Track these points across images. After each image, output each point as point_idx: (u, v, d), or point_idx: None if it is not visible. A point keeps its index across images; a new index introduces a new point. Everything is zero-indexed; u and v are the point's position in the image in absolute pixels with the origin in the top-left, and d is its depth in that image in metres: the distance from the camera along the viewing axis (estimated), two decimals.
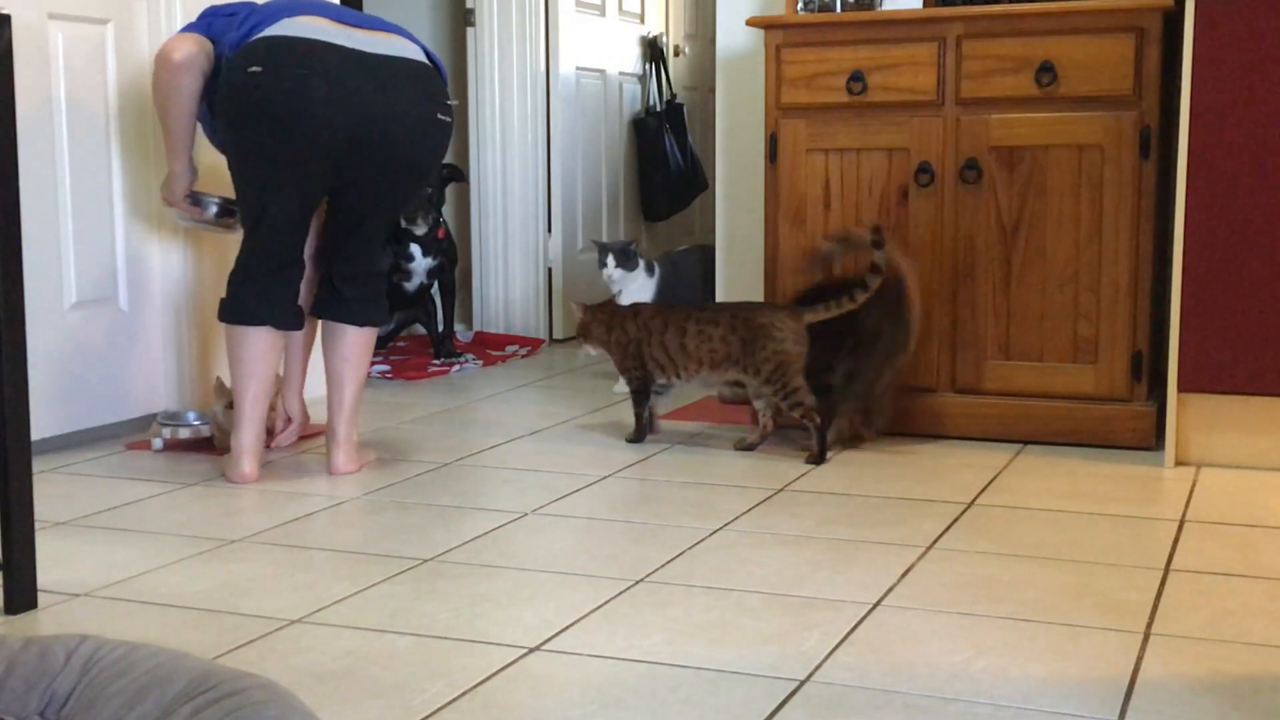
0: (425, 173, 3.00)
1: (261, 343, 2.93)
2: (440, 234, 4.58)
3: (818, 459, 3.09)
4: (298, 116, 2.76)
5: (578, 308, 3.36)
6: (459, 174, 4.66)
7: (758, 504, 2.75)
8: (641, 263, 4.09)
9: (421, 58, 2.92)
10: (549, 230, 5.10)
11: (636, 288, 4.07)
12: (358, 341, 3.01)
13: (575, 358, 4.66)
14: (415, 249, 4.53)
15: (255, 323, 2.92)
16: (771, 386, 3.13)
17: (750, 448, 3.24)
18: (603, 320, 3.33)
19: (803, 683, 1.82)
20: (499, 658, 1.91)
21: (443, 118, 2.92)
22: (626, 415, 3.69)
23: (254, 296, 2.92)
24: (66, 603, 2.17)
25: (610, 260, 4.01)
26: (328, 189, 2.93)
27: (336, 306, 3.01)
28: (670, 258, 4.38)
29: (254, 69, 2.76)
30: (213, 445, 3.23)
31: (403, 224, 4.44)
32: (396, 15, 5.49)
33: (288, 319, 2.97)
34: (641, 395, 3.31)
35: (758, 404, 3.26)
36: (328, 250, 3.03)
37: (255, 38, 2.80)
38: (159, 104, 2.98)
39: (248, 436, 2.94)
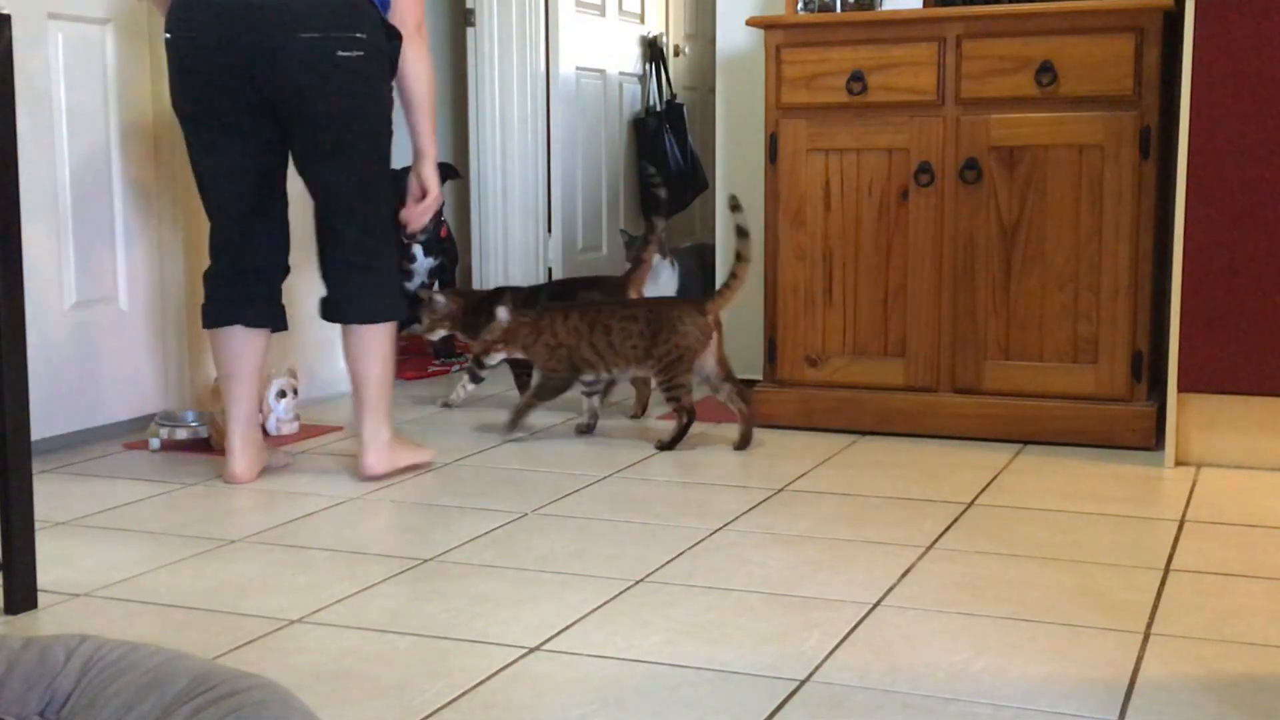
0: (343, 118, 2.78)
1: (235, 343, 2.89)
2: (443, 233, 4.59)
3: (668, 446, 3.24)
4: (197, 74, 2.74)
5: (502, 314, 3.31)
6: (453, 171, 4.65)
7: (758, 504, 2.75)
8: (668, 255, 4.09)
9: None
10: (549, 230, 5.10)
11: (665, 279, 4.06)
12: (360, 339, 2.90)
13: None
14: (417, 250, 4.53)
15: (223, 323, 2.89)
16: (664, 375, 3.21)
17: (666, 441, 3.28)
18: (529, 328, 3.32)
19: (803, 683, 1.82)
20: (499, 658, 1.91)
21: (344, 54, 2.71)
22: (627, 415, 3.69)
23: (221, 297, 2.90)
24: (66, 603, 2.17)
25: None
26: (260, 151, 2.82)
27: (330, 305, 2.94)
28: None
29: (165, 35, 2.79)
30: (210, 446, 3.23)
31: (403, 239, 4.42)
32: None
33: (259, 317, 2.91)
34: (552, 396, 3.35)
35: (719, 396, 3.32)
36: (319, 249, 2.96)
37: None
38: None
39: (235, 438, 2.92)
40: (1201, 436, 3.04)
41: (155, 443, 3.26)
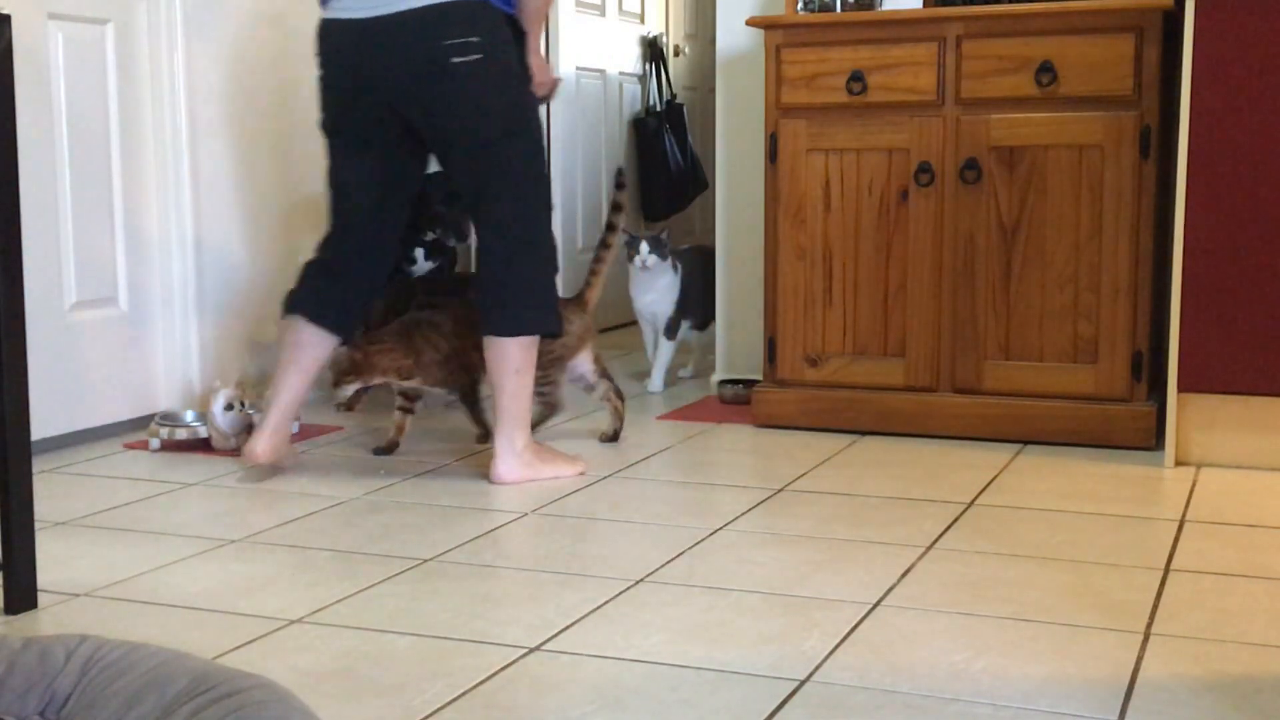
0: (468, 124, 2.78)
1: (305, 337, 2.94)
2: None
3: (484, 439, 3.23)
4: (331, 92, 2.86)
5: (353, 349, 3.09)
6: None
7: (758, 504, 2.75)
8: (670, 258, 4.00)
9: (422, 2, 2.69)
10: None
11: (665, 284, 3.97)
12: (500, 350, 2.86)
13: None
14: (419, 252, 4.52)
15: (301, 315, 2.94)
16: (540, 372, 3.09)
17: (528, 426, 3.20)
18: (397, 350, 3.11)
19: (803, 683, 1.82)
20: (499, 658, 1.91)
21: (459, 60, 2.70)
22: (630, 415, 3.70)
23: (309, 289, 2.95)
24: (66, 603, 2.17)
25: (644, 247, 3.87)
26: (383, 168, 2.90)
27: (478, 310, 2.94)
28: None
29: (316, 55, 2.88)
30: (210, 446, 3.23)
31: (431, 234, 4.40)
32: None
33: (336, 325, 2.95)
34: (474, 396, 3.23)
35: (595, 395, 3.32)
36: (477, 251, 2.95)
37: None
38: None
39: (269, 418, 2.94)
40: (1201, 436, 3.04)
41: (155, 443, 3.25)
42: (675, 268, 4.02)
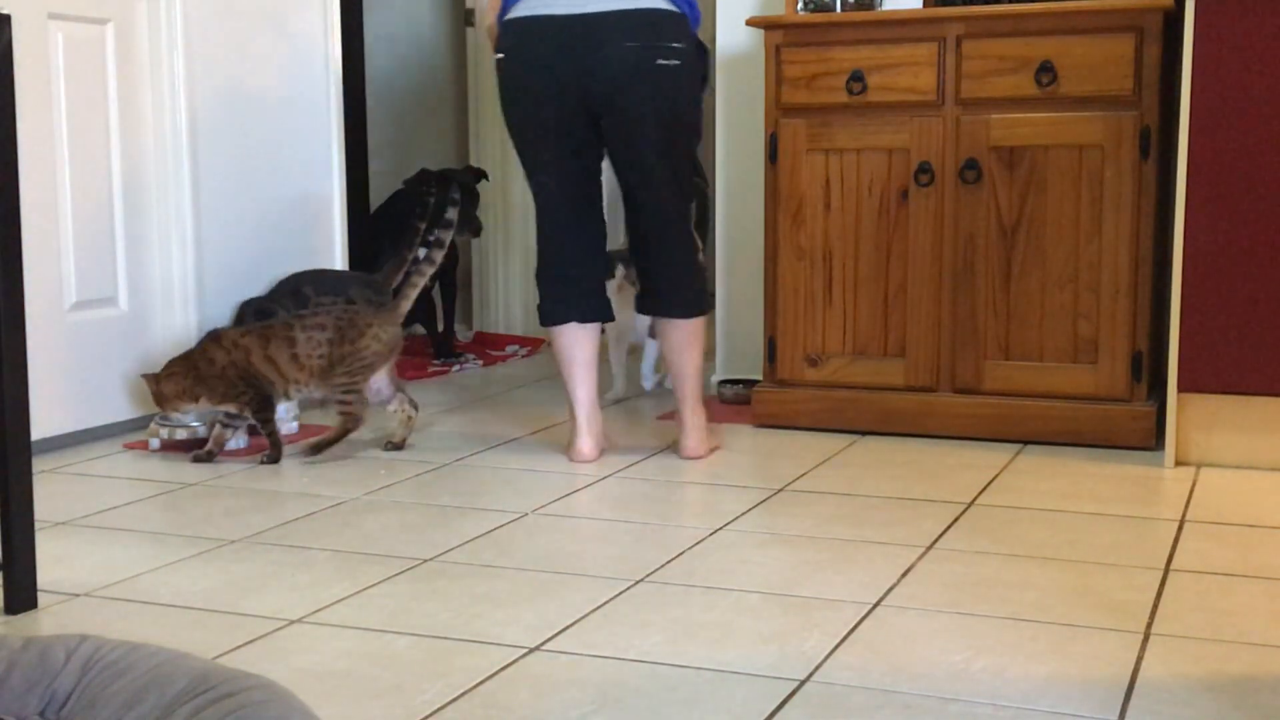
0: (659, 119, 2.98)
1: (570, 338, 3.15)
2: None
3: (317, 449, 3.13)
4: (529, 91, 3.01)
5: (148, 380, 3.14)
6: (482, 174, 4.65)
7: (758, 504, 2.75)
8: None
9: (642, 5, 2.92)
10: None
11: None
12: (681, 333, 3.10)
13: None
14: (422, 252, 4.52)
15: (559, 322, 3.15)
16: (345, 379, 3.09)
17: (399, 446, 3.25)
18: (179, 373, 3.11)
19: (803, 683, 1.82)
20: (499, 658, 1.91)
21: (663, 62, 2.93)
22: (630, 415, 3.69)
23: (554, 297, 3.15)
24: (66, 603, 2.17)
25: (619, 270, 3.66)
26: (582, 159, 3.09)
27: (647, 299, 3.17)
28: None
29: (498, 55, 3.05)
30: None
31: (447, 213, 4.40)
32: (397, 14, 5.49)
33: (589, 314, 3.16)
34: (266, 411, 3.14)
35: (389, 407, 3.28)
36: (634, 246, 3.17)
37: (503, 20, 3.03)
38: None
39: (581, 419, 3.15)
40: (1201, 436, 3.04)
41: (155, 443, 3.26)
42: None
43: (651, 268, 3.13)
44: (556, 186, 3.11)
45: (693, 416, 3.14)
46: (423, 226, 3.76)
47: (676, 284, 3.11)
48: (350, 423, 3.15)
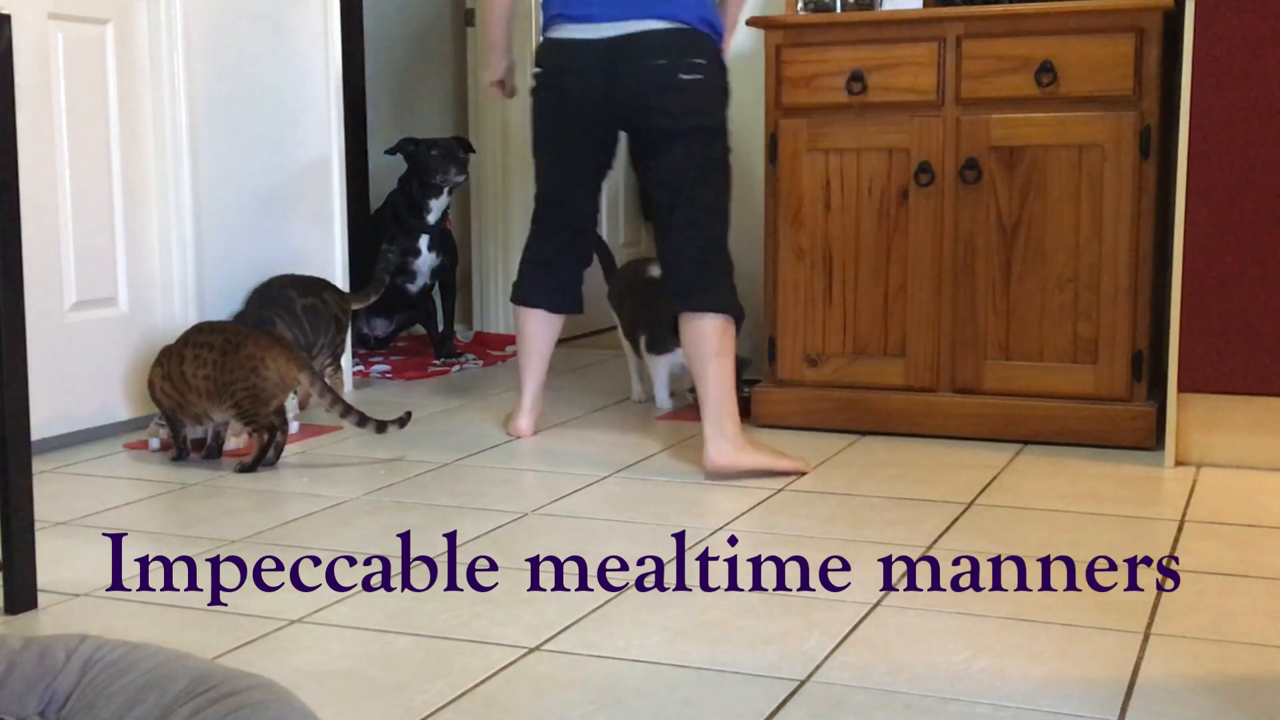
0: (684, 129, 3.08)
1: (536, 322, 3.36)
2: (447, 224, 4.59)
3: (249, 468, 3.02)
4: (560, 106, 3.17)
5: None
6: (466, 143, 4.65)
7: (758, 504, 2.75)
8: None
9: (663, 25, 3.04)
10: None
11: None
12: (703, 334, 3.02)
13: (575, 358, 4.66)
14: (423, 241, 4.52)
15: (528, 304, 3.36)
16: (238, 410, 3.01)
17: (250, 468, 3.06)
18: (161, 370, 3.10)
19: (803, 683, 1.82)
20: (499, 658, 1.91)
21: (684, 76, 3.06)
22: (629, 415, 3.70)
23: (530, 280, 3.36)
24: (66, 603, 2.17)
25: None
26: (594, 180, 3.29)
27: (679, 298, 3.09)
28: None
29: (535, 70, 3.22)
30: (206, 446, 3.23)
31: (435, 179, 4.43)
32: (398, 15, 5.49)
33: (559, 304, 3.35)
34: (175, 421, 3.10)
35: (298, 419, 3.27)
36: (662, 246, 3.15)
37: (542, 39, 3.22)
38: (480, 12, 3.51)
39: (525, 399, 3.41)
40: (1201, 436, 3.04)
41: (155, 443, 3.25)
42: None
43: (680, 266, 3.09)
44: (567, 199, 3.30)
45: (713, 426, 2.96)
46: (391, 258, 3.90)
47: (698, 280, 3.05)
48: (265, 434, 3.03)
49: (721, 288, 3.07)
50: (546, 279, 3.34)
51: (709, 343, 3.01)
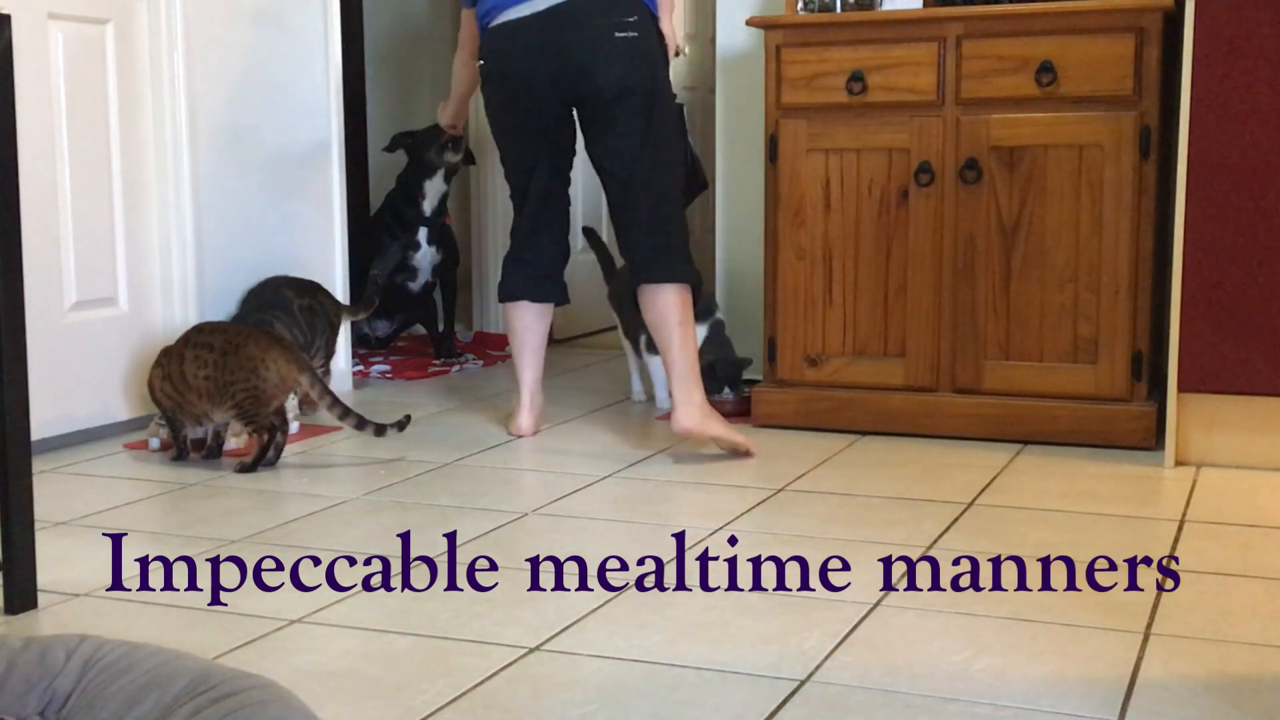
0: (624, 87, 3.13)
1: (524, 316, 3.38)
2: (446, 219, 4.59)
3: (249, 468, 3.02)
4: (512, 94, 3.21)
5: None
6: (470, 157, 4.67)
7: (758, 504, 2.75)
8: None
9: None
10: None
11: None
12: (662, 304, 3.12)
13: (575, 358, 4.66)
14: (423, 234, 4.52)
15: (513, 299, 3.38)
16: (239, 411, 3.01)
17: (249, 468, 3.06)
18: (161, 370, 3.11)
19: (803, 683, 1.82)
20: (499, 658, 1.91)
21: (619, 35, 3.12)
22: (629, 415, 3.70)
23: (513, 275, 3.37)
24: (66, 603, 2.17)
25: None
26: (557, 160, 3.31)
27: (633, 269, 3.19)
28: None
29: (480, 63, 3.27)
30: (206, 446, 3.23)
31: (430, 155, 4.45)
32: (398, 14, 5.49)
33: (543, 294, 3.37)
34: (175, 422, 3.11)
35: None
36: (614, 218, 3.24)
37: (485, 30, 3.23)
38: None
39: (524, 396, 3.41)
40: (1201, 436, 3.04)
41: (155, 443, 3.26)
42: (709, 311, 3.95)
43: (630, 237, 3.18)
44: (532, 184, 3.31)
45: (682, 392, 3.10)
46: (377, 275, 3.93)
47: (653, 249, 3.14)
48: (265, 434, 3.04)
49: (678, 258, 3.16)
50: (527, 271, 3.37)
51: (673, 312, 3.12)
